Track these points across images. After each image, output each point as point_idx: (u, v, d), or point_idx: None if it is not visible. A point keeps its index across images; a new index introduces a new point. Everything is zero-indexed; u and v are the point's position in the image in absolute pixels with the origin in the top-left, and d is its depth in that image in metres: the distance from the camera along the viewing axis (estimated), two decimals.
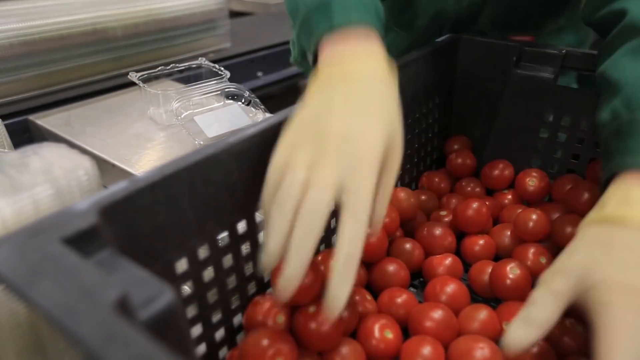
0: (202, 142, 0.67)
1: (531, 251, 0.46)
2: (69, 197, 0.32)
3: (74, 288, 0.20)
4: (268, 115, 0.75)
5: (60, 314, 0.19)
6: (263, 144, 0.35)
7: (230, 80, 0.80)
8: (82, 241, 0.24)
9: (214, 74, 0.81)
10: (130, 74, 0.76)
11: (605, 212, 0.33)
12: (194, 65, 0.84)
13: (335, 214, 0.46)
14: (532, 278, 0.43)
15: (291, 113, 0.37)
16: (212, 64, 0.83)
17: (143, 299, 0.21)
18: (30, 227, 0.23)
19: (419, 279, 0.50)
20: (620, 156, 0.36)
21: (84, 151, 0.68)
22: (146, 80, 0.77)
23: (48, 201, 0.31)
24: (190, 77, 0.86)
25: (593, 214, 0.34)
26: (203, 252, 0.33)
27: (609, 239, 0.32)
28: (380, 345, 0.38)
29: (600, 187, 0.38)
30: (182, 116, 0.72)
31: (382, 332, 0.39)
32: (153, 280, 0.22)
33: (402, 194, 0.51)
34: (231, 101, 0.79)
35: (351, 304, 0.40)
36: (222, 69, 0.81)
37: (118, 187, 0.27)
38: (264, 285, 0.40)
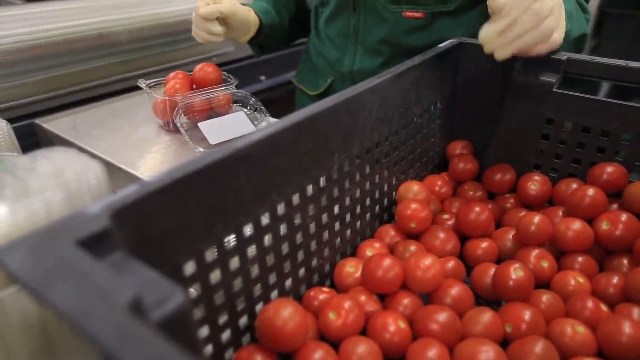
0: (202, 150, 0.67)
1: (533, 254, 0.47)
2: (79, 200, 0.32)
3: (88, 289, 0.20)
4: (273, 121, 0.76)
5: (77, 315, 0.19)
6: (269, 148, 0.36)
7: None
8: (95, 243, 0.24)
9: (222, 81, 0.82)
10: (139, 81, 0.77)
11: None
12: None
13: (325, 209, 0.46)
14: (534, 280, 0.44)
15: (296, 118, 0.38)
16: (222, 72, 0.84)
17: (155, 300, 0.22)
18: (45, 229, 0.24)
19: None
20: None
21: (89, 154, 0.69)
22: (156, 85, 0.78)
23: (59, 204, 0.31)
24: None
25: None
26: (210, 255, 0.34)
27: None
28: (394, 339, 0.39)
29: None
30: (186, 123, 0.72)
31: (395, 323, 0.40)
32: (165, 282, 0.22)
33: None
34: (239, 107, 0.80)
35: (357, 304, 0.41)
36: (231, 76, 0.82)
37: (129, 191, 0.27)
38: (269, 288, 0.41)
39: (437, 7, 0.68)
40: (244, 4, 0.81)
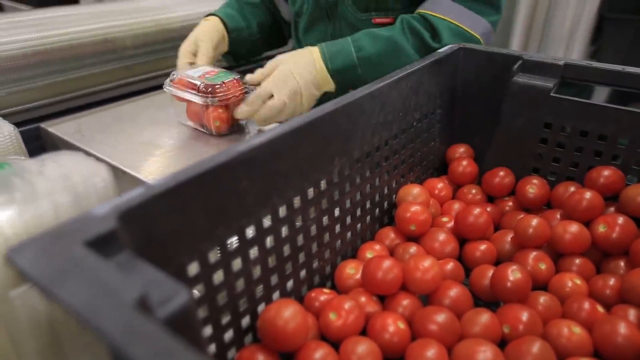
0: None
1: (531, 257, 0.48)
2: (86, 202, 0.33)
3: (97, 287, 0.21)
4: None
5: (86, 311, 0.20)
6: (270, 152, 0.37)
7: None
8: (103, 244, 0.25)
9: None
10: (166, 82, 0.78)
11: None
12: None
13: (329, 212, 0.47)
14: (532, 282, 0.44)
15: (296, 124, 0.39)
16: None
17: (161, 298, 0.22)
18: (54, 230, 0.25)
19: None
20: None
21: (94, 158, 0.70)
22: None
23: (67, 207, 0.32)
24: None
25: None
26: (213, 256, 0.35)
27: None
28: (394, 339, 0.40)
29: None
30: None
31: (395, 323, 0.40)
32: (169, 281, 0.23)
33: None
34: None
35: (357, 305, 0.42)
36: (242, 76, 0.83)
37: (135, 194, 0.28)
38: (271, 288, 0.41)
39: (404, 11, 0.70)
40: (212, 14, 0.85)
